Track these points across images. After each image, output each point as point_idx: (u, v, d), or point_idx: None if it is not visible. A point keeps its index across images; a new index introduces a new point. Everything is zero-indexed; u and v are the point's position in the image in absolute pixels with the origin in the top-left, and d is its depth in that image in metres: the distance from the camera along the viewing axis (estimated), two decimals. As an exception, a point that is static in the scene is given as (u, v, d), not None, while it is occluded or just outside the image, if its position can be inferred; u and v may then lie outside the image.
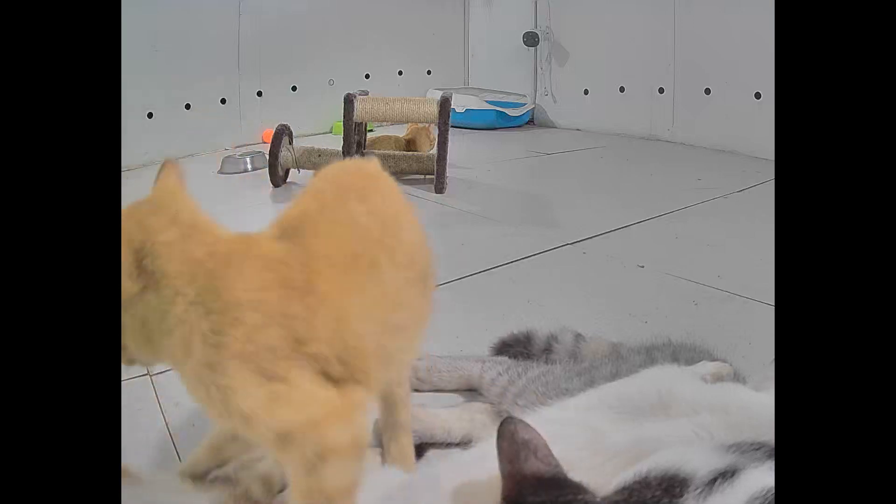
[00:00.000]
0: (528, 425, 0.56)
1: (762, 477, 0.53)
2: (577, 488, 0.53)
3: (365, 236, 0.63)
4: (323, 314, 0.56)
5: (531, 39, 3.56)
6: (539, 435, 0.55)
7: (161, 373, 1.11)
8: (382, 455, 0.87)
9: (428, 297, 0.73)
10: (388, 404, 0.84)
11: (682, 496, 0.52)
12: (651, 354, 0.98)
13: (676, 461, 0.55)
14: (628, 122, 3.34)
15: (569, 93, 3.57)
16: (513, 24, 3.62)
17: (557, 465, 0.54)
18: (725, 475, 0.53)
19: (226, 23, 2.98)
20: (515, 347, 1.16)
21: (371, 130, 2.67)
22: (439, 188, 2.29)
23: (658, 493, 0.52)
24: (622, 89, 3.38)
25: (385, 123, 3.13)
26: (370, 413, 0.87)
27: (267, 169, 2.32)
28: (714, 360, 0.87)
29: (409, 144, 2.74)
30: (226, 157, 2.60)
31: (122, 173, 0.69)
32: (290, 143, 2.38)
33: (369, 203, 0.65)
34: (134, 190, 0.82)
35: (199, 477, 0.77)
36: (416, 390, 1.08)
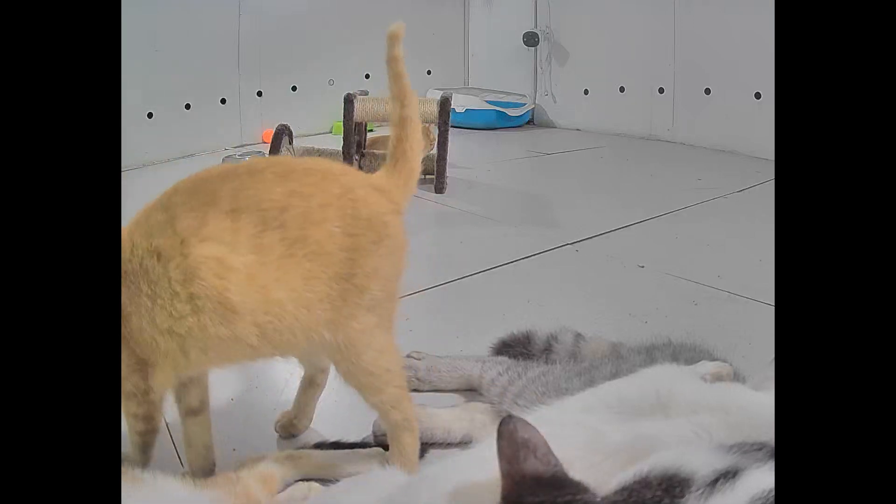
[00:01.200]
0: (527, 424, 0.55)
1: (763, 477, 0.53)
2: (577, 487, 0.53)
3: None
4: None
5: (531, 39, 3.56)
6: (539, 434, 0.55)
7: (161, 373, 1.11)
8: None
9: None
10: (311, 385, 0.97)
11: (682, 496, 0.52)
12: (651, 354, 0.98)
13: (677, 461, 0.55)
14: (628, 122, 3.34)
15: (569, 93, 3.57)
16: (513, 24, 3.61)
17: (557, 465, 0.54)
18: (727, 476, 0.53)
19: (226, 23, 2.98)
20: (515, 347, 1.16)
21: (371, 130, 2.67)
22: (439, 188, 2.29)
23: (659, 493, 0.52)
24: (622, 89, 3.37)
25: (385, 123, 3.13)
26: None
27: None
28: (714, 360, 0.87)
29: (410, 144, 2.74)
30: (226, 157, 2.59)
31: (122, 173, 0.70)
32: (290, 143, 2.38)
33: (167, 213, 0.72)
34: (134, 190, 0.82)
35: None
36: (416, 390, 1.08)
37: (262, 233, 0.71)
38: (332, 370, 0.99)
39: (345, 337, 0.77)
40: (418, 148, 0.86)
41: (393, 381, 0.82)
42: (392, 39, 0.87)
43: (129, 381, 0.74)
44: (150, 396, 0.76)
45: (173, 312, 0.69)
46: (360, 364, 0.79)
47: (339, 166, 0.82)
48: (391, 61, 0.87)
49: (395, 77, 0.87)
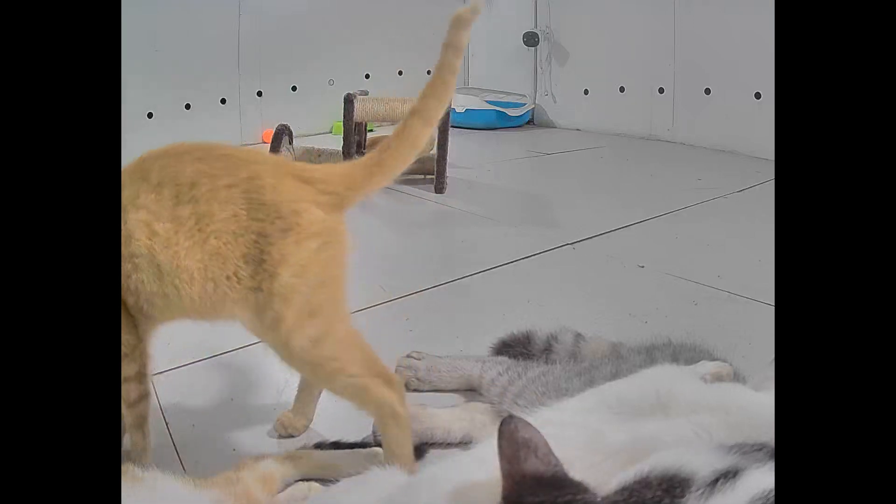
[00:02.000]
0: (528, 424, 0.55)
1: (763, 478, 0.53)
2: (578, 487, 0.53)
3: None
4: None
5: (531, 39, 3.56)
6: (539, 434, 0.55)
7: (161, 373, 1.11)
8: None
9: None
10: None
11: (682, 496, 0.52)
12: (651, 354, 0.98)
13: (677, 461, 0.55)
14: (628, 122, 3.34)
15: (569, 93, 3.57)
16: (513, 24, 3.62)
17: (557, 465, 0.54)
18: (727, 476, 0.53)
19: (226, 23, 2.98)
20: (515, 347, 1.16)
21: (371, 130, 2.67)
22: (439, 188, 2.29)
23: (659, 493, 0.52)
24: (622, 89, 3.38)
25: (385, 123, 3.14)
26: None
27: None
28: (714, 360, 0.87)
29: (409, 144, 2.74)
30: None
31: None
32: (290, 143, 2.38)
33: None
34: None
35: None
36: (416, 390, 1.08)
37: (177, 206, 0.78)
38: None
39: (264, 323, 0.79)
40: (407, 145, 0.85)
41: (344, 370, 0.82)
42: (458, 23, 0.83)
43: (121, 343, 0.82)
44: (140, 347, 0.85)
45: (125, 270, 0.79)
46: (291, 352, 0.80)
47: (260, 155, 0.84)
48: (446, 48, 0.83)
49: (440, 68, 0.84)
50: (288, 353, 0.81)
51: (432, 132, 2.64)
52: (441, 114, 0.87)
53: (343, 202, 0.83)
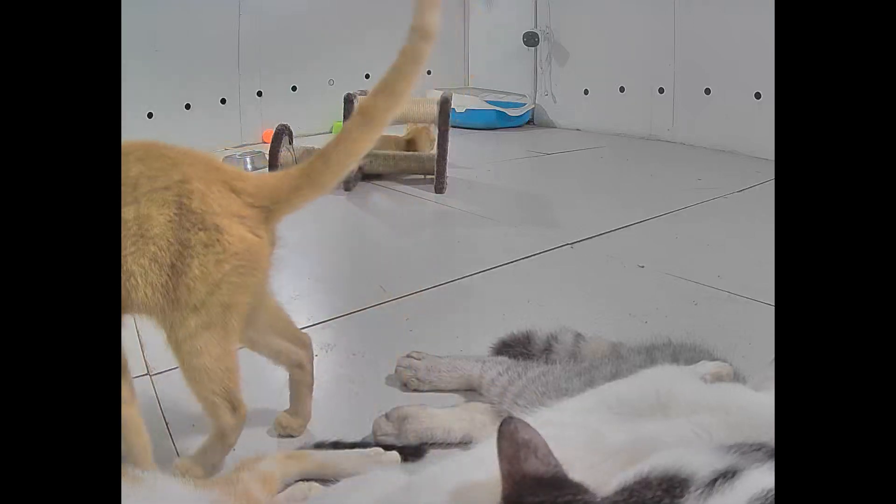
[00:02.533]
0: (528, 425, 0.56)
1: (762, 478, 0.53)
2: (577, 488, 0.53)
3: None
4: None
5: (531, 39, 3.56)
6: (539, 435, 0.55)
7: (161, 373, 1.11)
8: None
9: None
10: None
11: (682, 496, 0.52)
12: (651, 354, 0.98)
13: (677, 461, 0.55)
14: (628, 122, 3.34)
15: (569, 93, 3.57)
16: (513, 24, 3.62)
17: (557, 465, 0.54)
18: (726, 476, 0.53)
19: (226, 23, 2.98)
20: (515, 347, 1.16)
21: (371, 130, 2.66)
22: (439, 188, 2.29)
23: (659, 493, 0.52)
24: (622, 89, 3.38)
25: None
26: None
27: (267, 169, 2.33)
28: (714, 360, 0.87)
29: (409, 144, 2.74)
30: (226, 157, 2.60)
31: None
32: (290, 143, 2.38)
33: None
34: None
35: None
36: (416, 390, 1.08)
37: (123, 206, 0.77)
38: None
39: (170, 333, 0.80)
40: (342, 154, 0.82)
41: (209, 385, 0.82)
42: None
43: None
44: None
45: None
46: (179, 357, 0.81)
47: (193, 157, 0.82)
48: (412, 32, 0.80)
49: (401, 54, 0.81)
50: (177, 358, 0.81)
51: (432, 132, 2.61)
52: (392, 115, 0.81)
53: (270, 216, 0.82)
